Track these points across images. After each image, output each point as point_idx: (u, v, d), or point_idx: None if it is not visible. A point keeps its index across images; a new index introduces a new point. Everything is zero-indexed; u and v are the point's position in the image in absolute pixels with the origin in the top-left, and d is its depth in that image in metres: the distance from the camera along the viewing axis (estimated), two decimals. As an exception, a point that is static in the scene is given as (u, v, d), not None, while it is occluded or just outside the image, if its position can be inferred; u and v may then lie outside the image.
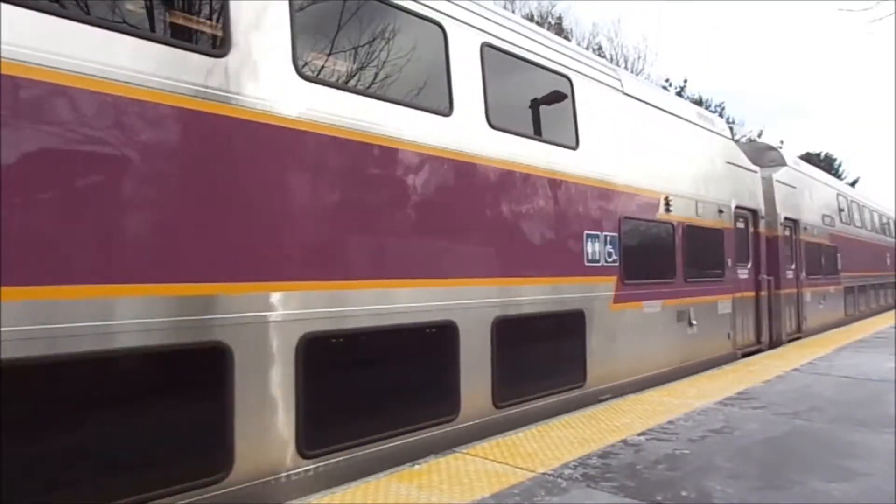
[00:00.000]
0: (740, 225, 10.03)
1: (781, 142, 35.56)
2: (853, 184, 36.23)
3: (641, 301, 7.34)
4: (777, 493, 3.76)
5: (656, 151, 7.96)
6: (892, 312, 18.56)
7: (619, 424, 5.35)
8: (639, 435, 5.03)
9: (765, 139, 25.87)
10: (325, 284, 4.11)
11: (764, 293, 10.64)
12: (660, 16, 51.38)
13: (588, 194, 6.56)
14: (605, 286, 6.73)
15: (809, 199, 13.52)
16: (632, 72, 27.43)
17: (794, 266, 12.31)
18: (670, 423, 5.42)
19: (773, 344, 11.01)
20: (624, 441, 4.85)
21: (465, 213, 5.24)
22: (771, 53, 66.64)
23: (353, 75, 4.58)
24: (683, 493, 3.75)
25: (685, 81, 34.08)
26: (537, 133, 6.14)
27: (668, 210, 7.90)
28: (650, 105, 8.02)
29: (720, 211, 9.22)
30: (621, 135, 7.26)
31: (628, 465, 4.30)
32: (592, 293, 6.53)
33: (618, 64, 27.82)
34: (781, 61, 68.09)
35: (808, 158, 30.22)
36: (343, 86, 4.43)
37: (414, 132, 4.77)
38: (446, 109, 5.09)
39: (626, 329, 7.00)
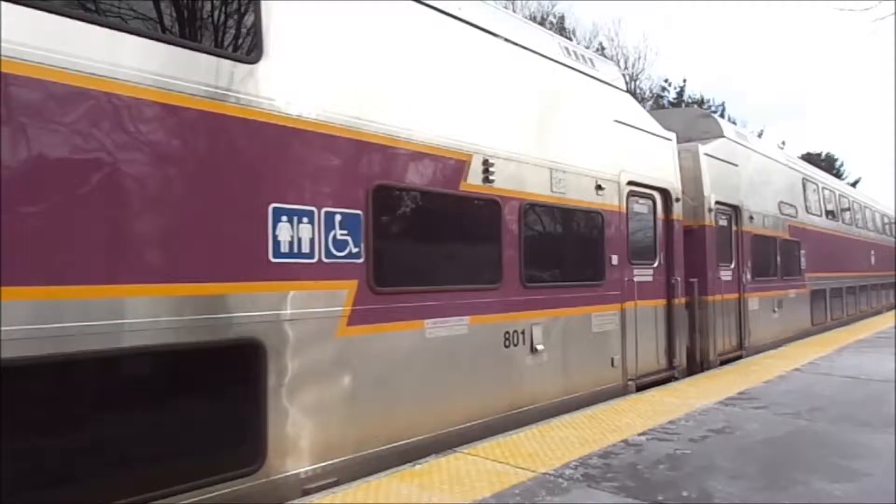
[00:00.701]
0: (639, 208, 7.61)
1: (783, 142, 35.71)
2: (854, 184, 36.12)
3: (419, 319, 4.75)
4: (779, 493, 3.75)
5: (469, 89, 5.41)
6: (892, 314, 17.81)
7: (620, 424, 5.35)
8: (640, 435, 5.02)
9: (766, 139, 25.62)
10: None
11: (682, 301, 8.17)
12: (668, 16, 51.27)
13: (285, 141, 3.97)
14: (325, 298, 4.12)
15: (760, 182, 10.89)
16: (634, 71, 27.40)
17: (732, 265, 9.70)
18: (671, 422, 5.41)
19: (698, 367, 8.65)
20: (625, 441, 4.85)
21: None
22: (772, 54, 66.65)
23: None
24: (685, 494, 3.75)
25: (684, 81, 34.09)
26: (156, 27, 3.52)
27: (487, 179, 5.37)
28: (458, 20, 5.43)
29: (599, 187, 6.76)
30: (385, 48, 4.75)
31: (629, 465, 4.29)
32: (288, 310, 3.91)
33: (618, 63, 27.81)
34: (783, 62, 68.10)
35: (809, 158, 30.21)
36: None
37: None
38: None
39: (375, 366, 4.41)
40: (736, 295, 9.71)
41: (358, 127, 4.39)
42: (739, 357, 9.47)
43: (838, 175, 35.33)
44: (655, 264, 7.77)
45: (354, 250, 4.32)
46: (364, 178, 4.41)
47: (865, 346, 10.61)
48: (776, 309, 11.06)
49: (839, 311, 15.05)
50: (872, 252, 18.59)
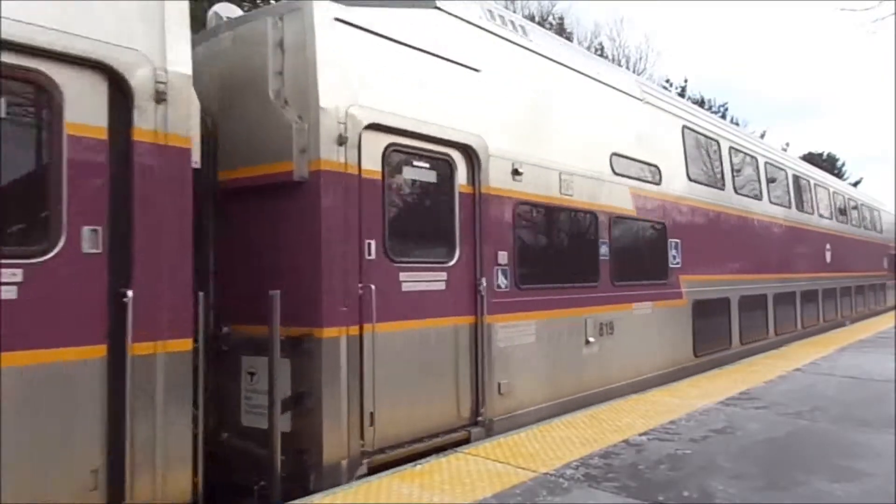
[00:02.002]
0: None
1: (787, 144, 35.59)
2: (856, 184, 36.00)
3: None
4: (780, 493, 3.75)
5: None
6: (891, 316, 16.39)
7: (621, 424, 5.35)
8: (641, 435, 5.03)
9: (768, 140, 25.45)
10: None
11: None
12: (670, 16, 51.15)
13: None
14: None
15: (553, 111, 6.46)
16: (634, 72, 27.44)
17: (454, 259, 5.25)
18: (672, 423, 5.41)
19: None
20: (626, 441, 4.85)
21: None
22: (774, 54, 66.63)
23: None
24: (685, 494, 3.75)
25: (686, 81, 34.06)
26: None
27: None
28: None
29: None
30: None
31: (630, 465, 4.30)
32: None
33: (619, 64, 27.84)
34: (785, 63, 68.08)
35: (811, 158, 30.17)
36: None
37: None
38: None
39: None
40: (460, 318, 5.22)
41: None
42: (464, 442, 5.02)
43: (839, 175, 35.12)
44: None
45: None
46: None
47: (866, 346, 10.61)
48: (593, 339, 6.60)
49: (760, 329, 10.62)
50: (828, 246, 14.35)
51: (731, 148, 10.28)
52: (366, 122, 4.53)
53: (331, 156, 4.30)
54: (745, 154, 10.96)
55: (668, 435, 5.04)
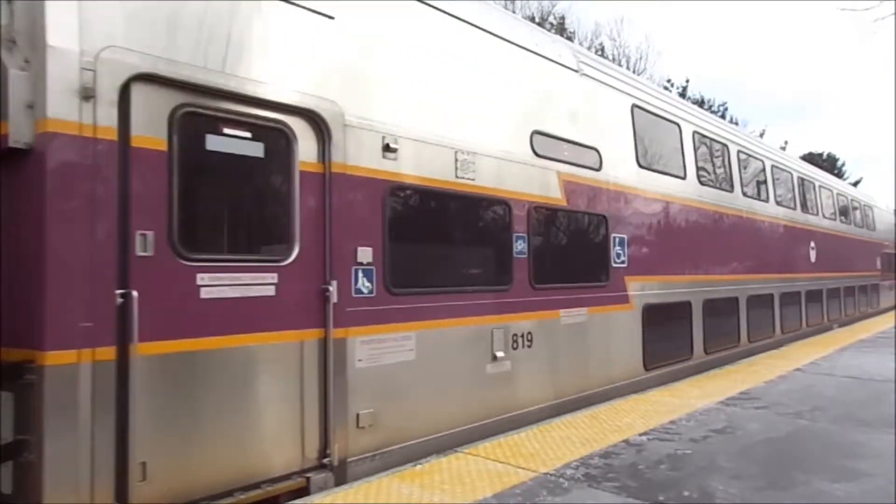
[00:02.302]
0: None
1: (786, 142, 35.62)
2: (856, 184, 35.97)
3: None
4: (780, 493, 3.75)
5: None
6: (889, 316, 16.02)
7: (621, 424, 5.35)
8: (641, 435, 5.03)
9: (767, 140, 25.46)
10: None
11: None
12: (671, 16, 51.10)
13: None
14: None
15: (446, 74, 5.27)
16: (633, 72, 27.45)
17: (290, 258, 4.06)
18: (672, 423, 5.41)
19: None
20: (626, 441, 4.85)
21: None
22: (775, 55, 66.62)
23: None
24: (686, 493, 3.75)
25: (687, 81, 34.04)
26: None
27: None
28: None
29: None
30: None
31: (630, 465, 4.30)
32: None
33: (619, 64, 27.84)
34: (786, 63, 68.08)
35: (811, 158, 30.15)
36: None
37: None
38: None
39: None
40: (300, 332, 4.10)
41: None
42: (302, 492, 3.93)
43: (839, 175, 35.10)
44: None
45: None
46: None
47: (866, 346, 10.61)
48: (502, 353, 5.39)
49: (730, 336, 9.49)
50: (813, 245, 13.29)
51: (695, 133, 8.88)
52: (134, 72, 3.32)
53: (67, 114, 3.12)
54: (714, 140, 9.59)
55: (669, 435, 5.04)
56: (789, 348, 10.55)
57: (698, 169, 8.85)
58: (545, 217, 6.11)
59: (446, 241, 5.35)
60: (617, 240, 6.98)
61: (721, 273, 9.32)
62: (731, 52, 64.23)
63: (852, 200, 16.99)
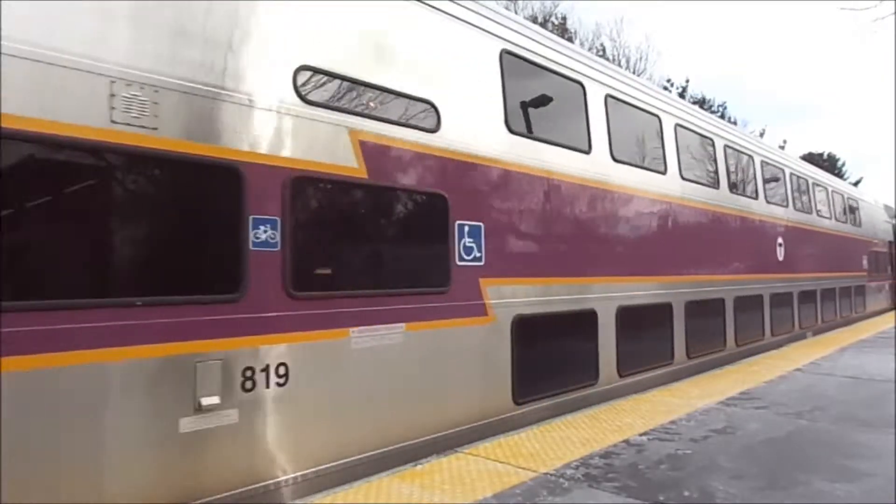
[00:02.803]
0: None
1: (784, 141, 35.59)
2: (856, 184, 35.93)
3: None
4: (780, 494, 3.75)
5: None
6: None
7: (622, 424, 5.35)
8: (641, 435, 5.02)
9: (767, 139, 25.35)
10: None
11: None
12: (671, 16, 50.99)
13: None
14: None
15: None
16: (633, 72, 27.42)
17: None
18: (672, 423, 5.41)
19: None
20: (626, 441, 4.84)
21: None
22: (775, 55, 66.59)
23: None
24: (686, 494, 3.75)
25: (687, 81, 34.04)
26: None
27: None
28: None
29: None
30: None
31: (630, 465, 4.29)
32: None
33: (619, 64, 27.82)
34: (786, 63, 68.04)
35: (811, 158, 30.13)
36: None
37: None
38: None
39: None
40: None
41: None
42: None
43: (840, 175, 35.05)
44: None
45: None
46: None
47: (867, 346, 10.60)
48: (214, 401, 3.56)
49: (659, 352, 7.61)
50: (781, 241, 11.38)
51: (608, 96, 6.96)
52: None
53: None
54: (637, 107, 7.64)
55: (669, 435, 5.03)
56: (789, 349, 10.54)
57: (611, 140, 6.90)
58: (323, 193, 4.33)
59: (80, 227, 3.31)
60: (467, 229, 5.11)
61: (645, 274, 7.36)
62: (731, 52, 64.22)
63: (833, 192, 15.01)
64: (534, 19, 25.40)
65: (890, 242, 19.54)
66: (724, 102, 36.76)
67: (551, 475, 4.06)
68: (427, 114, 4.96)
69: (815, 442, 4.87)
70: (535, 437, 4.95)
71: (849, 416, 5.64)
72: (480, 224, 5.27)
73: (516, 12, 22.74)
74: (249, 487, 3.70)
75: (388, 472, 4.14)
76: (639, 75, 26.26)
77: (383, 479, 4.02)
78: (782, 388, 6.94)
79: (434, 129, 4.99)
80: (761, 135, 33.23)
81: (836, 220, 14.86)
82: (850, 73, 73.48)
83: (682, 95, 31.98)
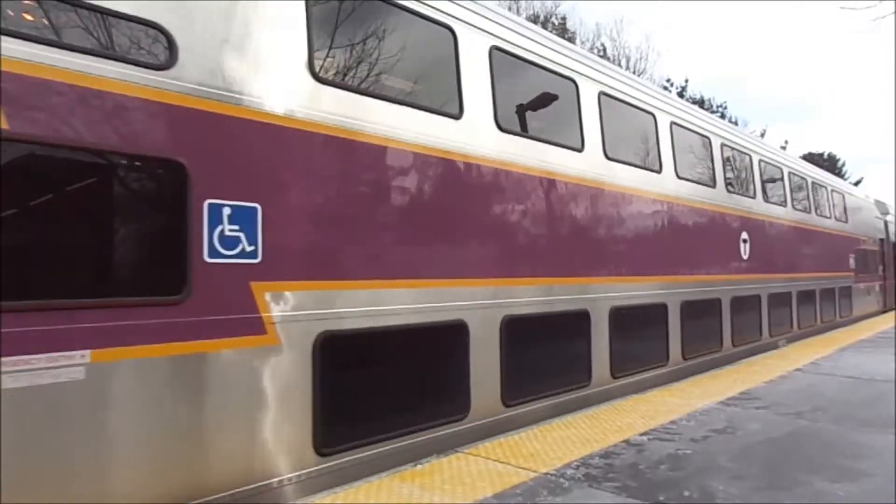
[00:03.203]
0: None
1: (786, 141, 35.57)
2: (856, 184, 35.89)
3: None
4: (780, 494, 3.74)
5: None
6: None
7: (622, 424, 5.34)
8: (641, 435, 5.02)
9: (768, 139, 25.32)
10: None
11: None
12: (671, 16, 50.93)
13: None
14: None
15: None
16: (634, 72, 27.40)
17: None
18: (673, 423, 5.40)
19: None
20: (626, 441, 4.84)
21: None
22: (775, 55, 66.56)
23: None
24: (686, 493, 3.74)
25: (686, 81, 34.04)
26: None
27: None
28: None
29: None
30: None
31: (631, 465, 4.29)
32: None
33: (619, 64, 27.81)
34: (786, 62, 68.03)
35: (811, 158, 30.12)
36: None
37: None
38: None
39: None
40: None
41: None
42: None
43: (840, 175, 35.01)
44: None
45: None
46: None
47: (867, 346, 10.59)
48: None
49: (576, 372, 6.17)
50: (746, 236, 9.82)
51: (494, 47, 5.38)
52: None
53: None
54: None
55: (669, 435, 5.03)
56: (789, 349, 10.53)
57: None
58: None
59: None
60: (227, 212, 3.54)
61: (559, 274, 5.97)
62: (731, 52, 64.20)
63: (814, 184, 13.34)
64: (535, 19, 25.40)
65: (881, 240, 18.38)
66: (724, 102, 36.74)
67: (551, 475, 4.06)
68: (152, 38, 3.32)
69: (815, 442, 4.87)
70: (535, 437, 4.95)
71: (849, 416, 5.63)
72: (257, 205, 3.68)
73: (518, 12, 22.73)
74: None
75: (388, 472, 4.14)
76: (639, 75, 26.23)
77: (383, 479, 4.02)
78: (783, 388, 6.93)
79: (167, 66, 3.34)
80: (762, 135, 33.21)
81: (819, 214, 13.44)
82: (849, 73, 73.48)
83: (681, 95, 31.98)
